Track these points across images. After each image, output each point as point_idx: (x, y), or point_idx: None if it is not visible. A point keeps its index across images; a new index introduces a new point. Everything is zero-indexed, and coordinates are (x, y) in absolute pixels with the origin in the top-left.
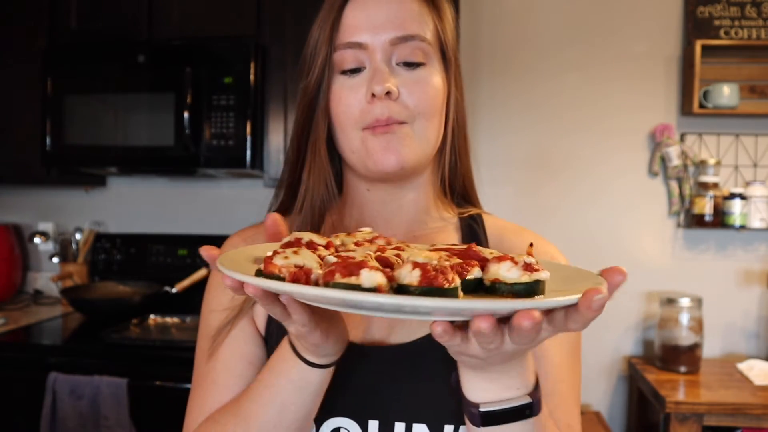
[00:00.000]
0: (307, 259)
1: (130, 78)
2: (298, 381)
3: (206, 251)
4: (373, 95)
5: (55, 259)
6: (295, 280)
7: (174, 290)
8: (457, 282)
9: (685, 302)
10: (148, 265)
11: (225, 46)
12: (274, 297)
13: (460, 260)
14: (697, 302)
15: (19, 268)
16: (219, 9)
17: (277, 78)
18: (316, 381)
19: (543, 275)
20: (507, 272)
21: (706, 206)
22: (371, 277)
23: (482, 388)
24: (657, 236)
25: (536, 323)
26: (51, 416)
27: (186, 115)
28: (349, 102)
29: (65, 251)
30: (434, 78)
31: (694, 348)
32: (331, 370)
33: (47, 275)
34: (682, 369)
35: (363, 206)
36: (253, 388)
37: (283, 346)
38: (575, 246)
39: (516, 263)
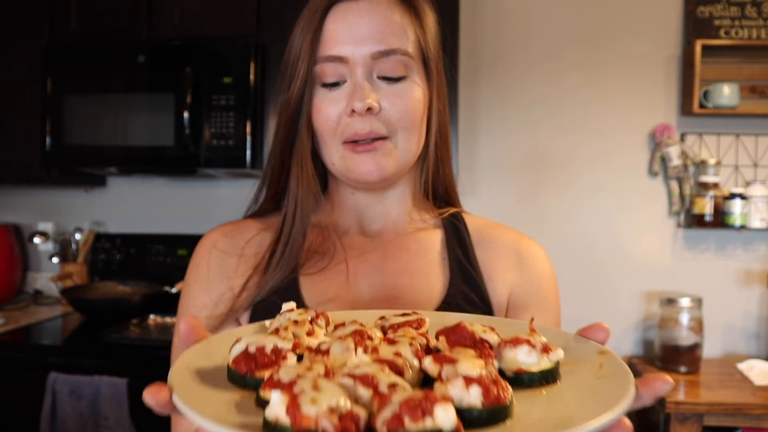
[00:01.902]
0: (335, 394)
1: (130, 78)
2: None
3: (153, 397)
4: (354, 111)
5: (55, 259)
6: None
7: (174, 290)
8: (510, 390)
9: (685, 302)
10: (148, 265)
11: (225, 46)
12: None
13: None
14: (697, 302)
15: (19, 268)
16: (219, 9)
17: (277, 78)
18: None
19: (560, 354)
20: (527, 358)
21: (706, 206)
22: (449, 416)
23: None
24: (657, 236)
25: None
26: (51, 416)
27: (186, 115)
28: (328, 114)
29: (65, 251)
30: (415, 91)
31: (694, 348)
32: None
33: (47, 275)
34: (682, 369)
35: (348, 209)
36: None
37: None
38: (576, 246)
39: (533, 346)
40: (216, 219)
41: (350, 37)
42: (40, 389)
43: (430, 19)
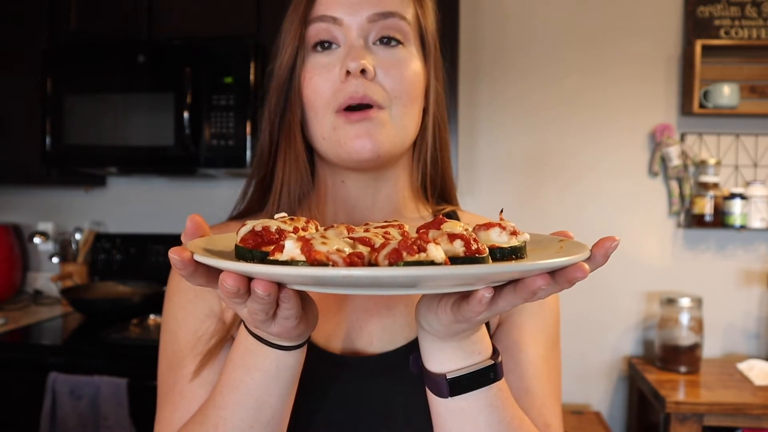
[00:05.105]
0: (340, 242)
1: (130, 78)
2: (274, 370)
3: (178, 253)
4: (348, 73)
5: (55, 259)
6: (352, 265)
7: None
8: (487, 249)
9: (685, 302)
10: (148, 265)
11: (225, 46)
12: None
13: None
14: (697, 302)
15: (19, 268)
16: (219, 9)
17: None
18: (294, 363)
19: (526, 236)
20: (498, 237)
21: (706, 206)
22: (439, 252)
23: (447, 358)
24: (657, 236)
25: (547, 282)
26: (51, 416)
27: (186, 115)
28: (320, 82)
29: (65, 251)
30: (413, 62)
31: (694, 348)
32: (306, 346)
33: (47, 275)
34: (682, 369)
35: (337, 201)
36: (219, 393)
37: (245, 339)
38: None
39: (504, 228)
40: (216, 219)
41: (346, 0)
42: (40, 389)
43: (431, 1)
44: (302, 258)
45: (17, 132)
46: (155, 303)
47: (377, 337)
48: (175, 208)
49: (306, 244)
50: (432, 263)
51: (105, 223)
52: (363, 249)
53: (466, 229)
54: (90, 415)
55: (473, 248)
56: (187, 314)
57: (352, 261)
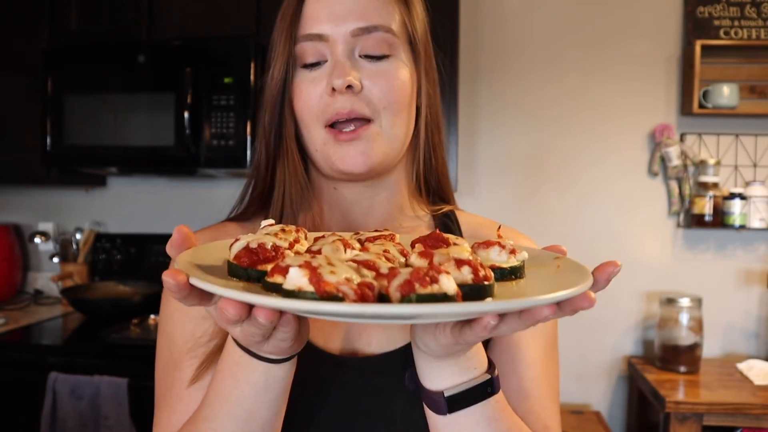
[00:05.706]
0: (347, 269)
1: (130, 78)
2: (263, 382)
3: (173, 277)
4: (334, 89)
5: (55, 259)
6: (363, 297)
7: None
8: (492, 274)
9: (685, 302)
10: (148, 265)
11: (225, 46)
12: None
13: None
14: (697, 302)
15: (19, 268)
16: (219, 9)
17: None
18: (284, 375)
19: (524, 255)
20: (498, 256)
21: (706, 206)
22: (451, 283)
23: (444, 376)
24: (657, 236)
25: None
26: (51, 416)
27: (186, 115)
28: (309, 96)
29: (65, 251)
30: (401, 71)
31: (694, 348)
32: (296, 358)
33: (47, 275)
34: (682, 369)
35: (333, 206)
36: (208, 404)
37: (233, 351)
38: (575, 246)
39: (503, 247)
40: (216, 219)
41: (330, 14)
42: (41, 389)
43: (418, 3)
44: (310, 288)
45: (17, 132)
46: (155, 303)
47: (376, 337)
48: (175, 208)
49: (314, 275)
50: (445, 295)
51: (105, 223)
52: (367, 273)
53: (472, 254)
54: (90, 415)
55: (481, 275)
56: (183, 316)
57: (364, 293)
